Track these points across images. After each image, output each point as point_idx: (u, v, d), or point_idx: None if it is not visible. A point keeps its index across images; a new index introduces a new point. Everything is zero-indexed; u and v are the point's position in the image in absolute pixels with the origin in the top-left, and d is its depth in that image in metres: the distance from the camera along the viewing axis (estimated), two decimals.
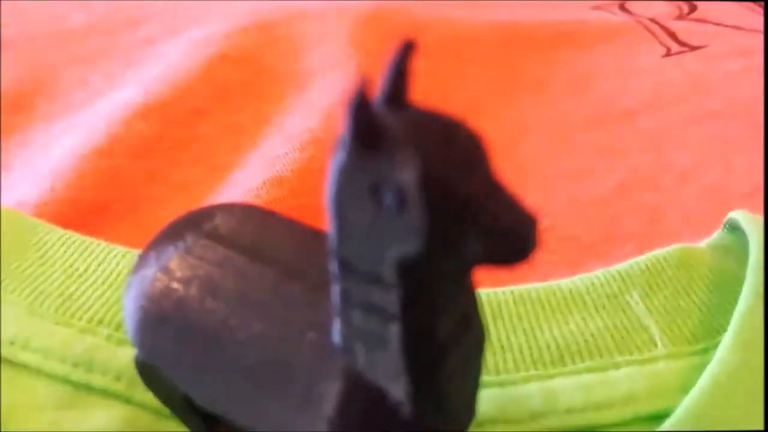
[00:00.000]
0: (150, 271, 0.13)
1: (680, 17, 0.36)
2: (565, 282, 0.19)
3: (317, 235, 0.12)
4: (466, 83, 0.29)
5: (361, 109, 0.09)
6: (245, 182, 0.22)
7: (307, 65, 0.28)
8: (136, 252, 0.18)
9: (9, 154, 0.25)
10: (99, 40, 0.30)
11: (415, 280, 0.10)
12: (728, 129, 0.28)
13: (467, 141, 0.09)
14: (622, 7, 0.37)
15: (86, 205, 0.22)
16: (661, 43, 0.33)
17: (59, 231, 0.19)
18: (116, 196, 0.22)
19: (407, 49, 0.09)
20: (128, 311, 0.13)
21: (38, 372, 0.16)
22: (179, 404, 0.14)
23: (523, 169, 0.25)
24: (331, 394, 0.11)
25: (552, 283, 0.19)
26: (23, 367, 0.16)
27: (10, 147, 0.25)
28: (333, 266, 0.10)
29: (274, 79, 0.27)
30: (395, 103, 0.10)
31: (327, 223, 0.10)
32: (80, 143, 0.24)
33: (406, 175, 0.09)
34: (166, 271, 0.12)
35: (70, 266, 0.18)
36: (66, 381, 0.16)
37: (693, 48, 0.32)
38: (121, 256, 0.18)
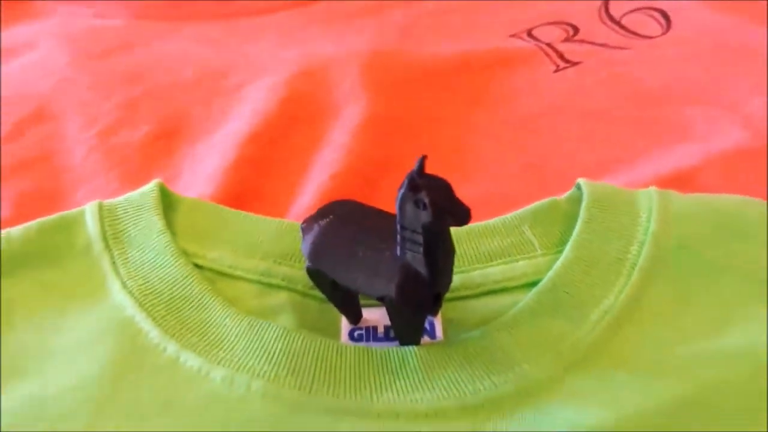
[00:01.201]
0: (312, 229, 0.30)
1: (567, 39, 0.49)
2: (491, 221, 0.36)
3: (386, 215, 0.29)
4: (430, 101, 0.46)
5: (412, 175, 0.26)
6: (313, 182, 0.39)
7: (336, 99, 0.45)
8: (285, 221, 0.35)
9: (176, 168, 0.41)
10: (207, 86, 0.46)
11: (427, 233, 0.27)
12: (600, 123, 0.44)
13: (445, 185, 0.26)
14: (529, 34, 0.51)
15: (230, 198, 0.39)
16: (552, 61, 0.48)
17: (234, 210, 0.35)
18: (244, 192, 0.39)
19: (423, 159, 0.26)
20: (305, 247, 0.29)
21: (248, 281, 0.33)
22: (329, 287, 0.30)
23: (469, 155, 0.42)
24: (397, 273, 0.28)
25: (484, 222, 0.36)
26: (237, 278, 0.33)
27: (176, 162, 0.42)
28: (396, 227, 0.27)
29: (318, 111, 0.44)
30: (420, 174, 0.27)
31: (395, 211, 0.27)
32: (218, 161, 0.40)
33: (426, 197, 0.26)
34: (321, 229, 0.30)
35: (252, 227, 0.34)
36: (264, 284, 0.33)
37: (573, 64, 0.48)
38: (278, 222, 0.35)
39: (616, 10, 0.52)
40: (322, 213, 0.30)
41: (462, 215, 0.26)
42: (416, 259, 0.27)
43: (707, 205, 0.34)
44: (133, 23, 0.51)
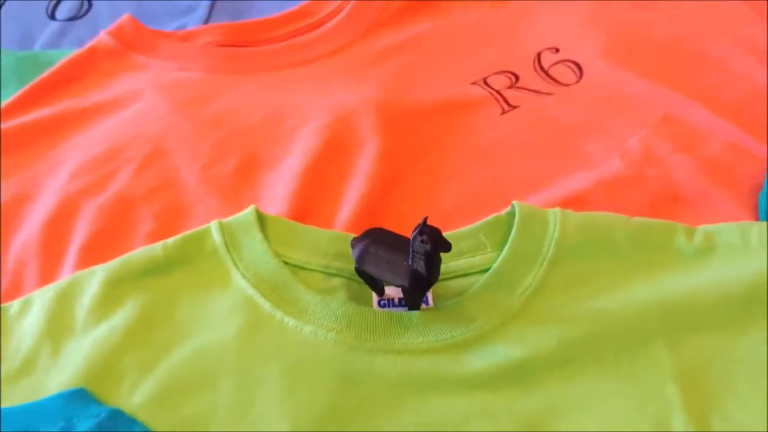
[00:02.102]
0: (358, 245, 0.51)
1: (510, 87, 0.69)
2: (459, 230, 0.55)
3: (402, 238, 0.50)
4: (420, 135, 0.67)
5: (421, 226, 0.47)
6: (349, 201, 0.61)
7: (359, 137, 0.66)
8: (335, 232, 0.57)
9: (255, 192, 0.63)
10: (270, 130, 0.65)
11: (427, 256, 0.47)
12: (529, 155, 0.63)
13: (438, 231, 0.46)
14: (485, 81, 0.69)
15: (296, 214, 0.59)
16: (500, 105, 0.67)
17: (303, 225, 0.56)
18: (304, 210, 0.60)
19: (426, 219, 0.46)
20: (354, 254, 0.50)
21: (316, 271, 0.54)
22: (368, 278, 0.50)
23: (445, 176, 0.64)
24: (409, 274, 0.49)
25: (455, 231, 0.54)
26: (310, 270, 0.53)
27: (255, 188, 0.63)
28: (410, 248, 0.49)
29: (348, 147, 0.64)
30: (425, 224, 0.46)
31: (407, 234, 0.49)
32: (284, 188, 0.61)
33: (428, 239, 0.47)
34: (363, 245, 0.50)
35: (315, 235, 0.54)
36: (326, 273, 0.53)
37: (514, 107, 0.68)
38: (331, 233, 0.55)
39: (545, 61, 0.72)
40: (365, 234, 0.52)
41: (446, 247, 0.48)
42: (420, 267, 0.48)
43: (591, 219, 0.55)
44: (208, 76, 0.71)
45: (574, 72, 0.71)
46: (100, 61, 0.73)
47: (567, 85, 0.70)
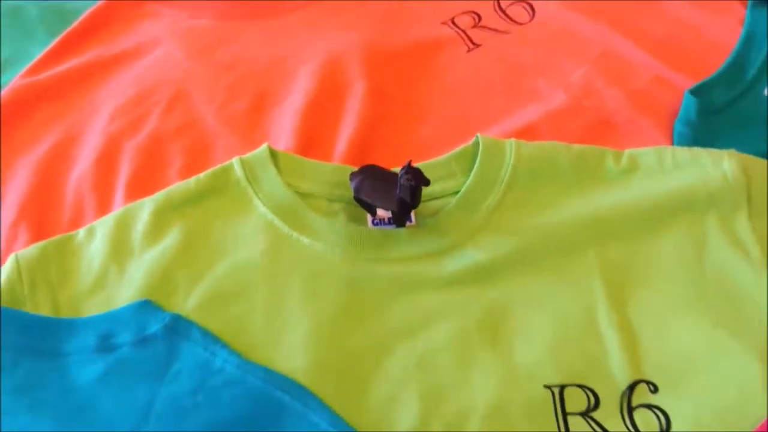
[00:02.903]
0: (356, 177, 0.60)
1: (474, 26, 0.79)
2: (435, 160, 0.64)
3: (391, 173, 0.60)
4: (401, 75, 0.79)
5: (407, 167, 0.59)
6: (343, 135, 0.74)
7: (348, 78, 0.78)
8: (334, 164, 0.70)
9: (265, 128, 0.75)
10: (274, 71, 0.78)
11: (411, 189, 0.58)
12: (489, 90, 0.76)
13: (419, 171, 0.58)
14: (453, 21, 0.80)
15: (300, 147, 0.72)
16: (465, 44, 0.79)
17: (308, 159, 0.69)
18: (306, 143, 0.73)
19: (410, 161, 0.59)
20: (352, 185, 0.60)
21: (321, 198, 0.65)
22: (363, 203, 0.61)
23: (423, 110, 0.77)
24: (397, 200, 0.59)
25: (431, 160, 0.65)
26: (316, 197, 0.65)
27: (265, 124, 0.75)
28: (399, 180, 0.59)
29: (339, 87, 0.77)
30: (409, 166, 0.59)
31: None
32: (289, 123, 0.74)
33: (412, 178, 0.58)
34: (359, 178, 0.60)
35: (319, 168, 0.66)
36: (329, 199, 0.65)
37: (477, 46, 0.81)
38: (332, 165, 0.68)
39: (504, 1, 0.84)
40: (360, 170, 0.62)
41: (426, 182, 0.59)
42: (406, 196, 0.58)
43: (539, 148, 0.67)
44: (217, 24, 0.83)
45: (527, 12, 0.83)
46: (119, 10, 0.85)
47: (521, 24, 0.82)
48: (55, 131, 0.76)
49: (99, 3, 0.85)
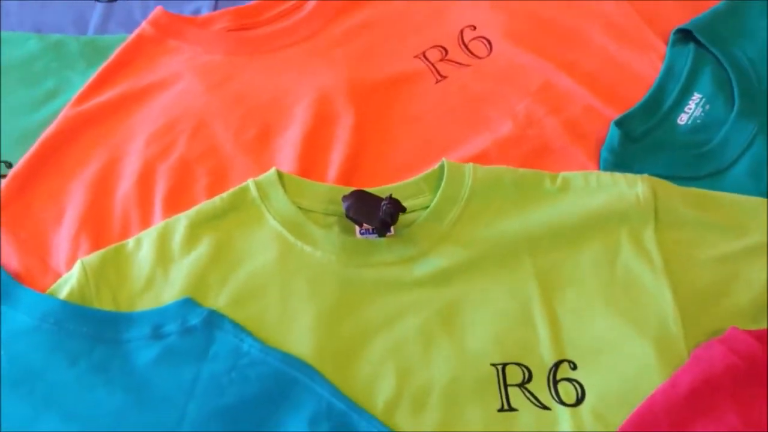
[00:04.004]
0: (347, 200, 0.76)
1: (441, 59, 0.92)
2: (406, 181, 0.82)
3: (377, 197, 0.75)
4: (379, 106, 0.94)
5: (388, 199, 0.75)
6: (334, 162, 0.92)
7: (336, 111, 0.95)
8: (330, 185, 0.86)
9: (271, 153, 0.93)
10: (276, 105, 0.94)
11: (389, 213, 0.74)
12: (452, 119, 0.91)
13: (396, 201, 0.75)
14: (424, 55, 0.92)
15: (301, 171, 0.91)
16: (434, 76, 0.93)
17: (308, 180, 0.86)
18: (306, 168, 0.91)
19: (390, 195, 0.76)
20: (344, 205, 0.76)
21: (319, 213, 0.82)
22: (352, 219, 0.77)
23: (395, 138, 0.93)
24: (379, 221, 0.75)
25: (402, 182, 0.83)
26: (315, 212, 0.81)
27: (271, 150, 0.92)
28: (381, 208, 0.74)
29: (329, 118, 0.95)
30: (390, 198, 0.75)
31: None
32: (290, 151, 0.92)
33: (391, 207, 0.74)
34: (350, 201, 0.76)
35: (317, 188, 0.83)
36: (325, 214, 0.82)
37: (444, 77, 0.94)
38: (328, 186, 0.85)
39: (466, 36, 0.96)
40: (350, 194, 0.75)
41: (402, 210, 0.74)
42: (386, 218, 0.72)
43: (491, 171, 0.81)
44: (227, 59, 0.98)
45: (486, 46, 0.98)
46: (146, 46, 1.01)
47: (480, 58, 0.97)
48: (100, 155, 0.91)
49: (128, 40, 1.00)
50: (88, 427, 0.71)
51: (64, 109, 0.95)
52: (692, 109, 0.91)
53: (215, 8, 1.07)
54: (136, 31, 1.02)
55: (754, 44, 0.95)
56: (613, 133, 0.88)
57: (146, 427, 0.70)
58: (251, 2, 1.06)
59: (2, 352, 0.74)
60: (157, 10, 1.03)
